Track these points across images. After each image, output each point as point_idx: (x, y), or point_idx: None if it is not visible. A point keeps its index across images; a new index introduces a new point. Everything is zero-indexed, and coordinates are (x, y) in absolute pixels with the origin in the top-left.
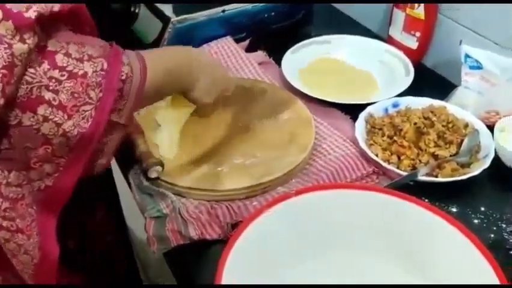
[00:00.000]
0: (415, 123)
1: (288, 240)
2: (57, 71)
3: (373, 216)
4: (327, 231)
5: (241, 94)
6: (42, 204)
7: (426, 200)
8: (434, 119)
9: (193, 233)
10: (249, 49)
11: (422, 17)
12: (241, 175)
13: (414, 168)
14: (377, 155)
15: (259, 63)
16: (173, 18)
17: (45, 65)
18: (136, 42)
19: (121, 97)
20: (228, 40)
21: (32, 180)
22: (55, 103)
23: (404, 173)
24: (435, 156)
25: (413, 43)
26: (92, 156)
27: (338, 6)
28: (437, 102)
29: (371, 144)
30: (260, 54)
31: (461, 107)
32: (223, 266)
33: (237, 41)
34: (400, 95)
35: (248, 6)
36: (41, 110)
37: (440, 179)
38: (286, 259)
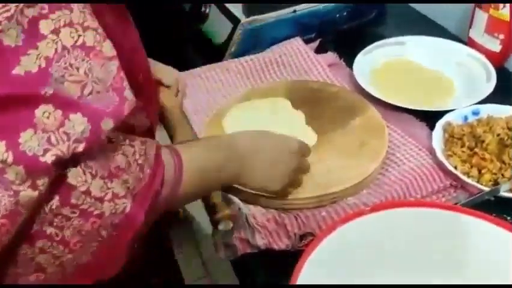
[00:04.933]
0: (498, 135)
1: (361, 256)
2: (67, 208)
3: (453, 238)
4: (403, 249)
5: (309, 97)
6: None
7: (509, 218)
8: None
9: (261, 242)
10: (319, 50)
11: (507, 18)
12: (310, 184)
13: (496, 183)
14: (455, 167)
15: (329, 65)
16: (243, 20)
17: (55, 202)
18: (205, 43)
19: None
20: (297, 41)
21: None
22: (57, 238)
23: (485, 188)
24: None
25: (495, 46)
26: None
27: (413, 4)
28: None
29: (449, 155)
30: (330, 56)
31: None
32: (296, 279)
33: (306, 41)
34: (480, 102)
35: (319, 6)
36: (39, 244)
37: None
38: (358, 275)
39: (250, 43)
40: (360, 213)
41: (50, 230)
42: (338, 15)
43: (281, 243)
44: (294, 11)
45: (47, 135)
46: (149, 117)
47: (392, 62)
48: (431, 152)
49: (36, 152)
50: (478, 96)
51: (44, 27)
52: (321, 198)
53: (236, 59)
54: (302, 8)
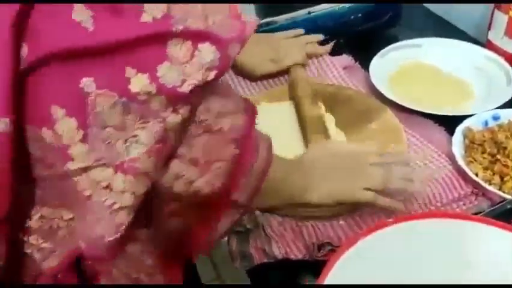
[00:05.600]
0: None
1: (383, 269)
2: (193, 125)
3: (477, 249)
4: (426, 261)
5: (324, 101)
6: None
7: None
8: None
9: (277, 251)
10: (334, 52)
11: None
12: None
13: None
14: (476, 174)
15: (344, 68)
16: (258, 22)
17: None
18: None
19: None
20: None
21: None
22: (188, 156)
23: (508, 196)
24: None
25: None
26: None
27: (429, 6)
28: None
29: (470, 162)
30: (345, 58)
31: None
32: None
33: (321, 43)
34: (500, 106)
35: (335, 7)
36: (174, 167)
37: None
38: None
39: None
40: (382, 225)
41: (180, 150)
42: (352, 17)
43: (298, 253)
44: (309, 13)
45: (182, 66)
46: None
47: (408, 65)
48: (451, 157)
49: (175, 83)
50: (497, 100)
51: None
52: (339, 206)
53: None
54: (317, 9)
